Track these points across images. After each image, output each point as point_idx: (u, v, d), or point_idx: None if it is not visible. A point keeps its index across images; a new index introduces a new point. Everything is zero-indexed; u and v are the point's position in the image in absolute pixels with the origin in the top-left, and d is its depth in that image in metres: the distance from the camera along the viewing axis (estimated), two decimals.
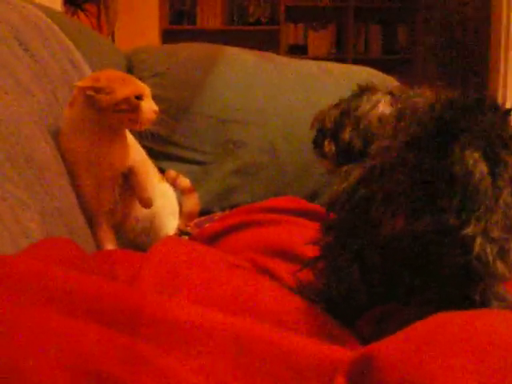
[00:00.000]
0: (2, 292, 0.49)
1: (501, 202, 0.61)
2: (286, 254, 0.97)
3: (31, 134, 1.06)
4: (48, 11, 1.51)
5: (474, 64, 4.60)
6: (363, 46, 5.86)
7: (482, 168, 0.61)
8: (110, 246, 1.17)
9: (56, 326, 0.47)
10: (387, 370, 0.47)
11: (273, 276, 0.87)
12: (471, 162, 0.61)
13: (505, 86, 2.97)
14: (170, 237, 1.12)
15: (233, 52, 1.78)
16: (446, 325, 0.52)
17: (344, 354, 0.53)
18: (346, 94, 0.92)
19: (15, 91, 1.09)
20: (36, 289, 0.50)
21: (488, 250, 0.60)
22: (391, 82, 1.89)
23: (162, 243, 0.80)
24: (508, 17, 2.91)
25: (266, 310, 0.68)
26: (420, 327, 0.52)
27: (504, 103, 0.78)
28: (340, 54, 5.78)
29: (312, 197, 1.59)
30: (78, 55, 1.49)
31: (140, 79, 1.67)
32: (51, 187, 1.04)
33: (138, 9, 4.77)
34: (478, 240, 0.60)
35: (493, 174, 0.62)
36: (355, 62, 5.60)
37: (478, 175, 0.61)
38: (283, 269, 0.89)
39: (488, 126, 0.64)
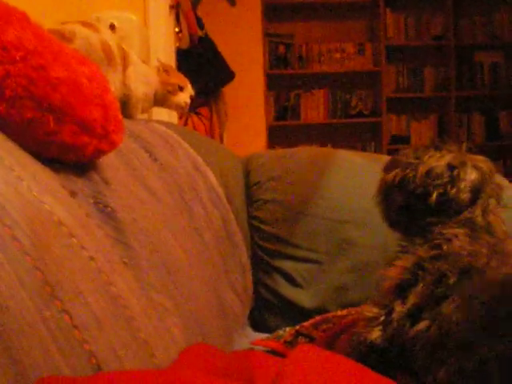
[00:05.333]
0: None
1: None
2: None
3: (165, 240, 1.16)
4: (170, 125, 1.65)
5: None
6: (466, 134, 5.85)
7: None
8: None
9: None
10: None
11: None
12: None
13: None
14: (306, 344, 1.15)
15: (343, 154, 1.86)
16: None
17: None
18: None
19: (149, 200, 1.20)
20: None
21: None
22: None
23: (299, 350, 0.84)
24: None
25: None
26: None
27: None
28: None
29: None
30: (200, 161, 1.61)
31: (258, 183, 1.79)
32: (185, 290, 1.12)
33: (244, 107, 4.98)
34: None
35: None
36: None
37: None
38: None
39: None
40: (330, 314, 1.51)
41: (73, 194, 0.88)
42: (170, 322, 0.95)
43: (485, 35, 5.86)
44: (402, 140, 5.78)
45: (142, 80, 1.42)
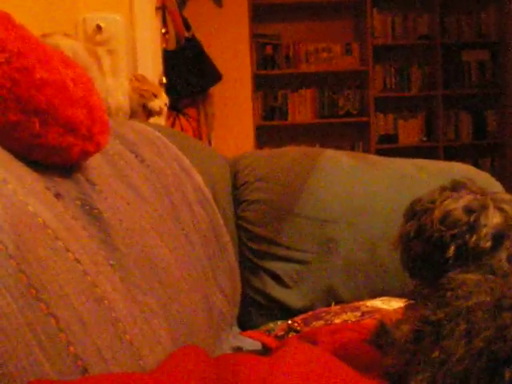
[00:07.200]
0: None
1: None
2: None
3: (152, 241, 1.15)
4: (156, 126, 1.65)
5: None
6: (453, 132, 5.87)
7: None
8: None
9: None
10: None
11: None
12: None
13: None
14: (295, 341, 1.13)
15: (330, 154, 1.87)
16: None
17: None
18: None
19: (135, 201, 1.19)
20: None
21: None
22: (486, 178, 1.91)
23: (288, 348, 0.84)
24: None
25: None
26: None
27: None
28: (430, 141, 5.81)
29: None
30: (186, 162, 1.61)
31: (245, 183, 1.80)
32: (172, 291, 1.12)
33: (232, 108, 4.98)
34: None
35: None
36: (446, 148, 5.62)
37: None
38: None
39: None
40: (321, 310, 1.51)
41: (58, 196, 0.88)
42: (157, 323, 0.95)
43: (472, 34, 5.89)
44: (389, 139, 5.80)
45: (117, 89, 1.43)
